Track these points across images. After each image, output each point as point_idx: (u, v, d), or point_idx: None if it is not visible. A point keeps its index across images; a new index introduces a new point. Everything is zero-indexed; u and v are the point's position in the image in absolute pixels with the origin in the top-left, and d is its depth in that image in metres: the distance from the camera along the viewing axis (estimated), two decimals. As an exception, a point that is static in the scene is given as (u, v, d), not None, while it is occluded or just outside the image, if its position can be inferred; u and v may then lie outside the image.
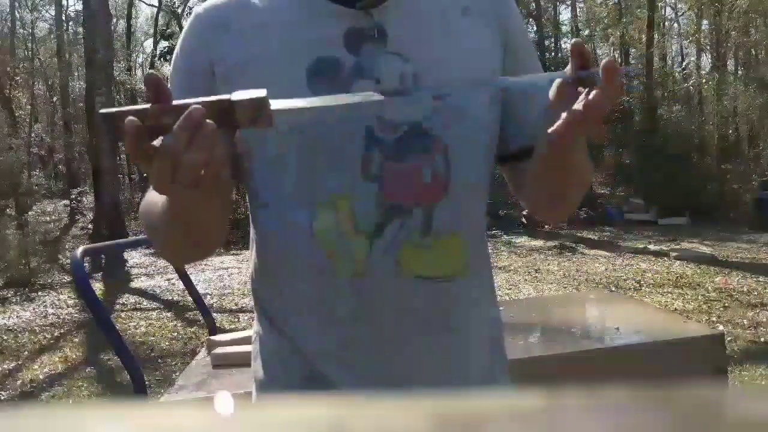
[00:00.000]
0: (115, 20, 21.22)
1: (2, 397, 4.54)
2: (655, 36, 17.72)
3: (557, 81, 0.75)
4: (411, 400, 0.19)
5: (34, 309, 7.36)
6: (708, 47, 20.54)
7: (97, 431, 0.19)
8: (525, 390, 0.20)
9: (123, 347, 1.90)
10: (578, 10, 22.52)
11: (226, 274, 8.49)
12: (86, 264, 2.24)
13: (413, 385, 0.86)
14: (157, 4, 23.76)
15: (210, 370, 2.12)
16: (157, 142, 0.64)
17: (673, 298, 6.19)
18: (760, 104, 15.71)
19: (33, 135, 21.57)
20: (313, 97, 0.72)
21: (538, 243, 10.31)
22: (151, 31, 25.02)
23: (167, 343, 5.61)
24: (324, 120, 0.83)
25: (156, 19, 24.08)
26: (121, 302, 7.51)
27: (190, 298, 2.87)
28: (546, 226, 11.37)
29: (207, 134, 0.63)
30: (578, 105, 0.73)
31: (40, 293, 8.18)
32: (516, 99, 0.94)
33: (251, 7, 0.87)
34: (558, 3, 22.12)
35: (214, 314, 3.69)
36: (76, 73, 23.15)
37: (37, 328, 6.44)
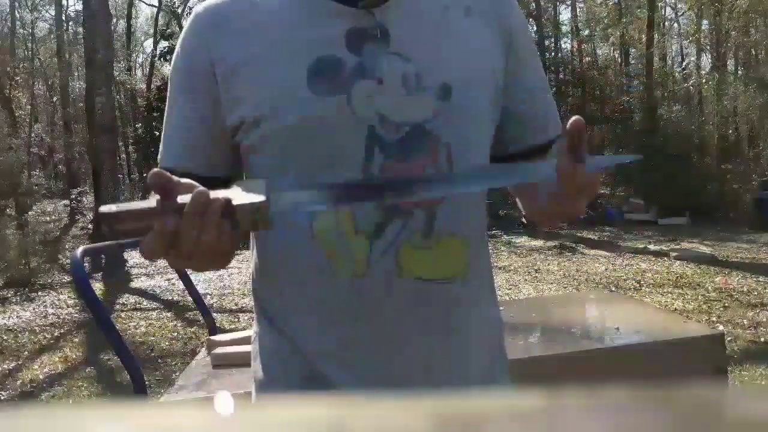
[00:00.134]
0: (115, 20, 21.21)
1: (2, 397, 4.54)
2: (655, 36, 17.72)
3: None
4: (411, 400, 0.19)
5: (34, 309, 7.36)
6: (708, 47, 20.53)
7: (97, 431, 0.19)
8: (525, 390, 0.20)
9: (123, 347, 1.90)
10: (578, 10, 22.52)
11: (226, 274, 8.49)
12: (86, 264, 2.24)
13: (413, 385, 0.85)
14: (157, 4, 23.77)
15: (210, 370, 2.12)
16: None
17: (673, 298, 6.19)
18: (760, 104, 15.70)
19: (33, 135, 21.57)
20: (318, 193, 0.72)
21: (538, 243, 10.30)
22: (151, 31, 25.02)
23: (167, 343, 5.60)
24: (325, 119, 0.82)
25: (156, 19, 24.08)
26: (121, 302, 7.51)
27: (190, 298, 2.87)
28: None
29: (214, 217, 0.65)
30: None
31: (40, 293, 8.18)
32: (517, 102, 0.94)
33: (252, 7, 0.87)
34: (558, 3, 22.12)
35: (214, 314, 3.69)
36: (76, 73, 23.15)
37: (37, 328, 6.44)
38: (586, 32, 21.74)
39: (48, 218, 15.36)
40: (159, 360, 5.13)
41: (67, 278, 8.88)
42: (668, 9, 22.53)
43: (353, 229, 0.83)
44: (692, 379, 1.96)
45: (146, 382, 2.06)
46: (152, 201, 0.64)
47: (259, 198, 0.64)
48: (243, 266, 8.74)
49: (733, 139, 16.92)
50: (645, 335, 2.13)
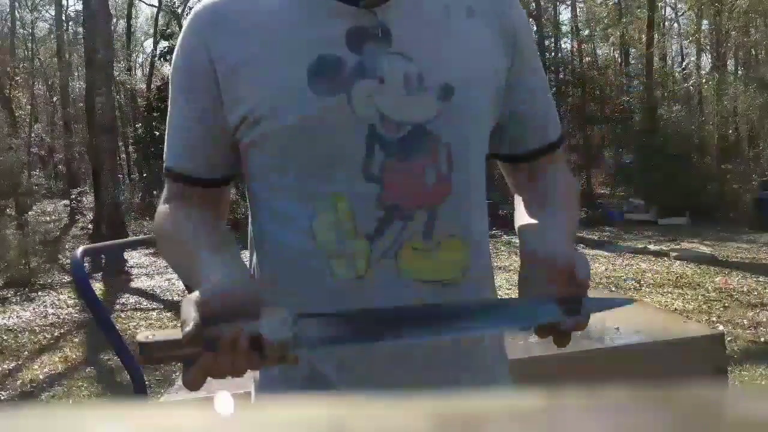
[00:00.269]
0: (115, 20, 21.21)
1: (2, 397, 4.54)
2: (655, 36, 17.72)
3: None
4: (411, 400, 0.19)
5: (34, 309, 7.36)
6: (708, 47, 20.53)
7: (97, 431, 0.19)
8: (525, 390, 0.20)
9: (123, 347, 1.90)
10: (578, 10, 22.51)
11: (226, 274, 8.48)
12: (86, 264, 2.24)
13: (413, 385, 0.85)
14: (157, 4, 23.76)
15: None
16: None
17: (673, 298, 6.19)
18: (760, 104, 15.70)
19: (33, 135, 21.57)
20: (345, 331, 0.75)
21: (538, 243, 10.27)
22: (151, 31, 25.02)
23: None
24: (325, 118, 0.82)
25: (156, 19, 24.08)
26: (121, 302, 7.51)
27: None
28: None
29: (244, 353, 0.69)
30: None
31: (40, 293, 8.18)
32: (518, 102, 0.94)
33: (251, 6, 0.86)
34: (558, 3, 22.11)
35: (214, 314, 3.69)
36: (76, 73, 23.15)
37: (37, 328, 6.44)
38: (586, 32, 21.74)
39: (48, 218, 15.36)
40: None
41: (67, 278, 8.87)
42: (668, 9, 22.53)
43: (354, 230, 0.83)
44: (692, 379, 1.96)
45: (146, 382, 2.05)
46: (179, 332, 0.69)
47: (285, 335, 0.69)
48: (243, 266, 8.71)
49: (733, 139, 16.92)
50: (645, 335, 2.13)
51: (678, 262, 8.15)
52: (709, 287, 6.60)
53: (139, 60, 27.68)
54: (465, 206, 0.88)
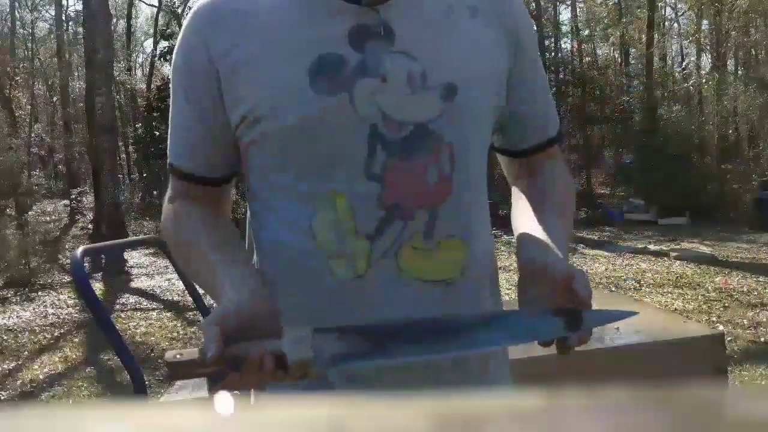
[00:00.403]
0: (115, 20, 21.21)
1: (2, 397, 4.54)
2: (655, 36, 17.71)
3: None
4: (411, 400, 0.19)
5: (34, 309, 7.36)
6: (708, 47, 20.53)
7: (97, 431, 0.19)
8: (525, 390, 0.20)
9: (123, 347, 1.90)
10: (578, 10, 22.51)
11: (226, 274, 8.47)
12: (86, 264, 2.24)
13: (414, 385, 0.85)
14: (157, 4, 23.77)
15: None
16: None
17: (673, 298, 6.19)
18: (760, 104, 15.70)
19: (33, 135, 21.57)
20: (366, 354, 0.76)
21: (538, 243, 10.27)
22: (151, 31, 25.02)
23: (167, 343, 5.60)
24: (327, 118, 0.82)
25: (156, 19, 24.08)
26: (121, 302, 7.51)
27: (190, 298, 2.87)
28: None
29: (269, 372, 0.72)
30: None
31: (40, 293, 8.17)
32: (519, 102, 0.94)
33: (252, 4, 0.86)
34: (558, 3, 22.11)
35: (214, 314, 3.68)
36: (76, 73, 23.15)
37: (37, 328, 6.44)
38: (586, 32, 21.74)
39: (48, 218, 15.36)
40: (159, 360, 5.13)
41: (67, 278, 8.87)
42: (668, 9, 22.54)
43: (354, 230, 0.83)
44: (692, 379, 1.96)
45: (146, 382, 2.05)
46: (206, 352, 0.72)
47: (308, 354, 0.72)
48: (243, 266, 8.71)
49: (733, 139, 16.92)
50: (645, 335, 2.12)
51: (678, 262, 8.15)
52: (709, 287, 6.60)
53: (139, 60, 27.71)
54: (466, 206, 0.87)
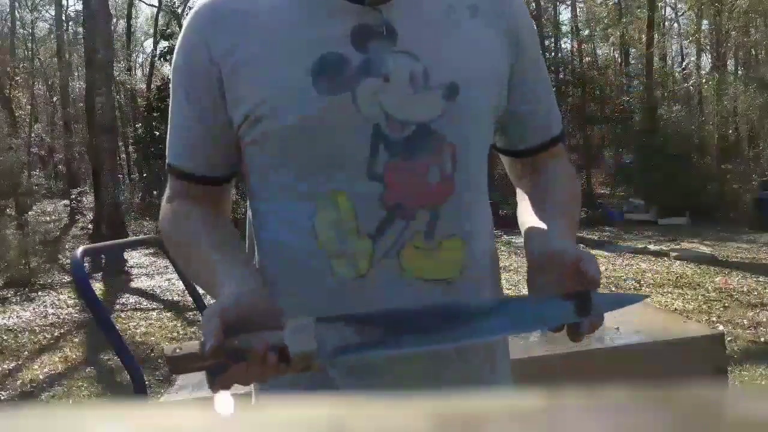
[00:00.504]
0: (115, 20, 21.20)
1: (2, 397, 4.54)
2: (655, 36, 17.71)
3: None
4: (411, 400, 0.19)
5: (34, 309, 7.36)
6: (708, 47, 20.53)
7: (97, 431, 0.19)
8: (525, 390, 0.20)
9: (123, 347, 1.90)
10: (578, 10, 22.51)
11: (226, 274, 8.47)
12: (86, 264, 2.24)
13: (415, 384, 0.85)
14: (157, 4, 23.76)
15: (210, 370, 2.12)
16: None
17: (673, 298, 6.19)
18: (760, 104, 15.70)
19: (33, 135, 21.57)
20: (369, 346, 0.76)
21: (538, 243, 10.27)
22: (151, 31, 25.01)
23: (167, 343, 5.59)
24: (330, 117, 0.82)
25: (156, 19, 24.08)
26: (121, 302, 7.51)
27: (190, 298, 2.87)
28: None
29: (272, 365, 0.71)
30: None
31: (40, 293, 8.18)
32: (521, 101, 0.94)
33: (253, 4, 0.86)
34: (558, 3, 22.11)
35: (214, 314, 3.68)
36: (76, 73, 23.15)
37: (37, 328, 6.44)
38: (586, 32, 21.74)
39: (48, 218, 15.36)
40: (159, 360, 5.13)
41: (67, 278, 8.87)
42: (668, 9, 22.54)
43: (356, 229, 0.83)
44: (692, 379, 1.96)
45: (146, 382, 2.06)
46: (205, 344, 0.70)
47: (311, 346, 0.71)
48: (243, 266, 8.71)
49: (733, 139, 16.92)
50: (645, 335, 2.12)
51: (678, 262, 8.15)
52: (709, 287, 6.60)
53: (139, 60, 27.71)
54: (467, 206, 0.87)
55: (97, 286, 8.05)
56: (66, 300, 7.70)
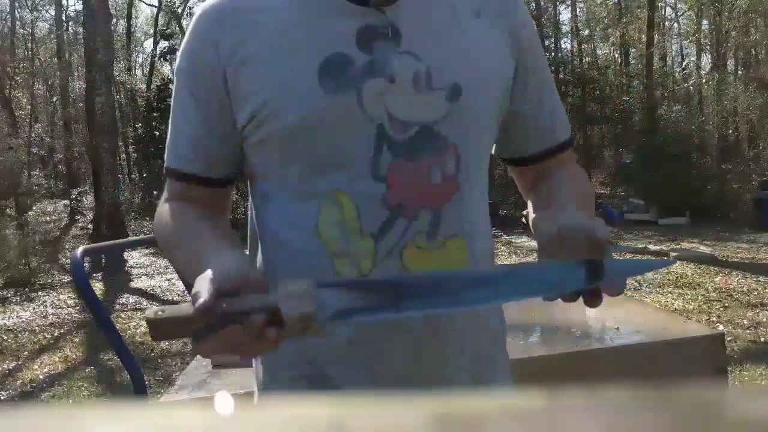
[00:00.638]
0: (115, 20, 21.21)
1: (2, 397, 4.54)
2: (655, 36, 17.72)
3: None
4: (411, 400, 0.19)
5: (34, 309, 7.36)
6: (708, 47, 20.53)
7: (97, 431, 0.19)
8: (525, 390, 0.20)
9: (123, 347, 1.90)
10: (578, 10, 22.51)
11: (226, 274, 8.47)
12: (86, 264, 2.24)
13: (416, 384, 0.85)
14: (157, 4, 23.76)
15: (210, 370, 2.12)
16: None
17: (673, 298, 6.19)
18: (760, 104, 15.70)
19: (33, 135, 21.57)
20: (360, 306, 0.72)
21: (538, 243, 10.27)
22: (151, 31, 25.01)
23: (167, 343, 5.60)
24: (335, 117, 0.82)
25: (156, 19, 24.08)
26: (121, 302, 7.51)
27: (190, 298, 2.87)
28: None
29: (270, 337, 0.67)
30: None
31: (40, 293, 8.17)
32: (523, 102, 0.94)
33: (258, 4, 0.86)
34: (558, 3, 22.11)
35: (214, 314, 3.68)
36: (76, 73, 23.16)
37: (37, 328, 6.44)
38: (586, 32, 21.74)
39: (48, 218, 15.36)
40: (159, 360, 5.13)
41: (67, 278, 8.87)
42: (668, 9, 22.54)
43: (359, 229, 0.83)
44: (692, 379, 1.96)
45: (146, 382, 2.06)
46: (189, 307, 0.67)
47: (308, 308, 0.67)
48: (243, 266, 8.71)
49: (733, 139, 16.92)
50: (645, 335, 2.12)
51: (678, 262, 8.14)
52: (709, 287, 6.60)
53: (139, 60, 27.72)
54: (469, 206, 0.87)
55: (97, 286, 8.06)
56: (66, 300, 7.70)
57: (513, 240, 10.81)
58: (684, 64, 21.61)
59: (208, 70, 0.86)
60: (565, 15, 24.36)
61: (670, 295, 6.35)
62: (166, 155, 0.93)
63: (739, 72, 19.46)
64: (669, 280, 7.09)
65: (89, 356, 5.36)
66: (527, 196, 1.01)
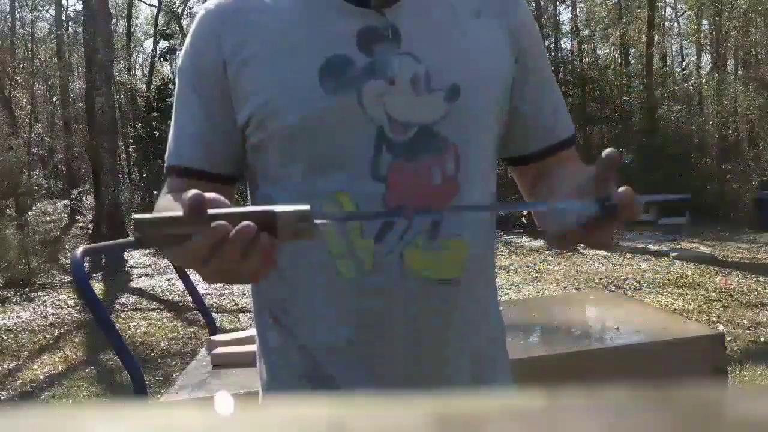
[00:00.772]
0: (115, 20, 21.21)
1: (2, 397, 4.54)
2: (655, 36, 17.72)
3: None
4: (411, 400, 0.19)
5: (34, 309, 7.36)
6: (708, 47, 20.54)
7: (97, 431, 0.19)
8: (525, 390, 0.20)
9: (123, 347, 1.90)
10: (578, 10, 22.51)
11: (226, 274, 8.47)
12: (86, 264, 2.24)
13: (418, 384, 0.86)
14: (157, 4, 23.77)
15: (210, 370, 2.12)
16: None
17: (673, 298, 6.19)
18: (760, 104, 15.70)
19: (33, 135, 21.58)
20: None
21: (538, 243, 10.31)
22: (151, 31, 25.02)
23: (167, 343, 5.60)
24: (335, 117, 0.82)
25: (156, 19, 24.09)
26: (121, 302, 7.51)
27: (190, 298, 2.87)
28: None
29: (262, 247, 0.62)
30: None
31: (40, 293, 8.18)
32: (524, 102, 0.94)
33: (261, 5, 0.87)
34: (558, 3, 22.12)
35: (214, 314, 3.70)
36: (76, 73, 23.17)
37: (37, 328, 6.44)
38: (586, 32, 21.75)
39: (48, 218, 15.37)
40: (159, 360, 5.13)
41: (67, 278, 8.88)
42: (668, 9, 22.54)
43: (360, 230, 0.83)
44: (692, 379, 1.96)
45: (146, 382, 2.06)
46: (179, 212, 0.62)
47: (302, 208, 0.63)
48: (243, 266, 8.71)
49: (733, 139, 16.92)
50: (645, 335, 2.13)
51: (678, 262, 8.15)
52: (709, 287, 6.61)
53: (139, 60, 27.73)
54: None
55: (97, 286, 8.06)
56: (66, 300, 7.70)
57: (513, 240, 10.81)
58: (684, 64, 21.62)
59: (211, 68, 0.87)
60: (565, 15, 24.40)
61: (670, 295, 6.35)
62: (167, 155, 0.93)
63: (739, 72, 19.47)
64: (669, 280, 7.09)
65: (89, 356, 5.37)
66: (528, 197, 1.01)
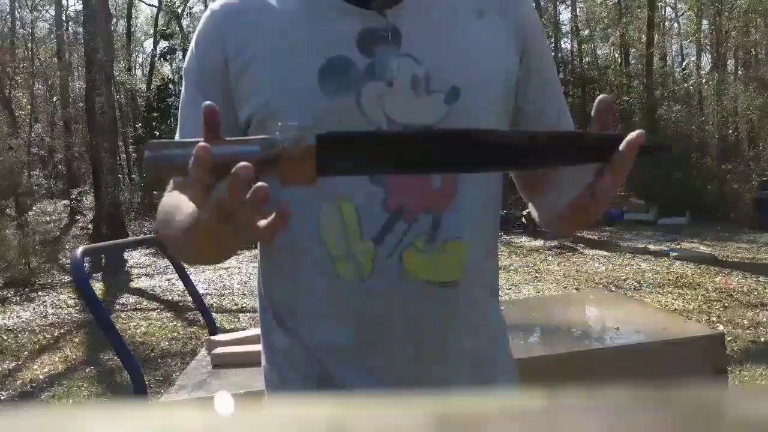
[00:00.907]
0: (115, 20, 21.20)
1: (2, 397, 4.55)
2: (655, 36, 17.72)
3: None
4: (411, 400, 0.19)
5: (34, 309, 7.36)
6: (708, 47, 20.54)
7: (97, 431, 0.19)
8: (525, 390, 0.20)
9: (123, 347, 1.90)
10: (578, 10, 22.51)
11: (226, 274, 8.49)
12: (86, 264, 2.24)
13: (419, 385, 0.86)
14: (157, 4, 23.78)
15: (210, 370, 2.12)
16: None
17: (673, 298, 6.19)
18: (760, 104, 15.70)
19: (33, 135, 21.58)
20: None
21: (538, 243, 10.31)
22: (151, 31, 25.02)
23: (167, 343, 5.60)
24: (335, 119, 0.82)
25: (156, 19, 24.09)
26: (121, 302, 7.51)
27: (190, 298, 2.87)
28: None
29: (258, 194, 0.62)
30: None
31: (40, 293, 8.18)
32: (527, 101, 0.94)
33: (264, 5, 0.87)
34: (558, 3, 22.12)
35: (214, 314, 3.69)
36: (76, 73, 23.17)
37: (37, 328, 6.44)
38: (586, 32, 21.74)
39: (48, 218, 15.37)
40: (159, 360, 5.13)
41: (67, 278, 8.88)
42: (668, 9, 22.54)
43: (359, 233, 0.83)
44: (692, 379, 1.96)
45: (146, 382, 2.06)
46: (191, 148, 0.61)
47: (308, 138, 0.62)
48: (243, 266, 8.74)
49: (733, 139, 16.93)
50: (645, 335, 2.13)
51: (678, 262, 8.15)
52: (709, 287, 6.61)
53: (139, 60, 27.72)
54: (471, 209, 0.87)
55: (97, 286, 8.06)
56: (66, 300, 7.70)
57: (513, 240, 10.80)
58: (684, 64, 21.61)
59: (215, 68, 0.87)
60: (565, 15, 24.38)
61: (670, 295, 6.35)
62: None
63: (739, 72, 19.47)
64: (669, 280, 7.09)
65: (89, 356, 5.37)
66: (528, 199, 1.00)
